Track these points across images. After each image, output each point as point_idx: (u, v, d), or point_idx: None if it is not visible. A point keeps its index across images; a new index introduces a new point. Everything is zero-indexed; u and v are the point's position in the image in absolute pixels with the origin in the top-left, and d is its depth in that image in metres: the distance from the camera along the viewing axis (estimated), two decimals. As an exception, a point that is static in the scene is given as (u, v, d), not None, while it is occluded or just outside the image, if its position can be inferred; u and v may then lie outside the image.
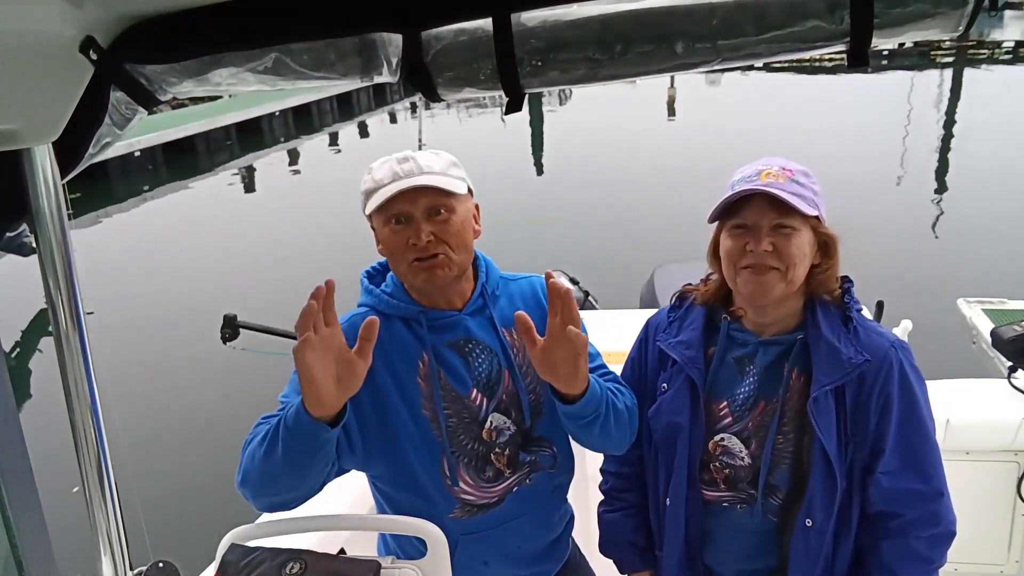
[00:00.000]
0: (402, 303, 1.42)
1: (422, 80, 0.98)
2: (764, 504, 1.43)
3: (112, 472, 1.19)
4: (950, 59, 25.70)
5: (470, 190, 1.42)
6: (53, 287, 1.11)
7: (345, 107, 23.60)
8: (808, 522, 1.38)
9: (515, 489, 1.47)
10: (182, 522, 4.18)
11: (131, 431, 5.32)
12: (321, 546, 1.32)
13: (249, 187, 15.60)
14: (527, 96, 1.00)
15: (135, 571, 1.25)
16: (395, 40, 0.95)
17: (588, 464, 1.84)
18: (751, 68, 21.15)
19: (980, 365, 3.38)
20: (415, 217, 1.34)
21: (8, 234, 1.10)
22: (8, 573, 1.11)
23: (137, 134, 15.11)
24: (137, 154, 15.66)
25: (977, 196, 10.53)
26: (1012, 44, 26.00)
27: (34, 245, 1.10)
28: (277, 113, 20.34)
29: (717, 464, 1.46)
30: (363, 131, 21.63)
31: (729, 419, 1.45)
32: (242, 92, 0.99)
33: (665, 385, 1.50)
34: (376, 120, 23.21)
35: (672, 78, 20.33)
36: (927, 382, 1.42)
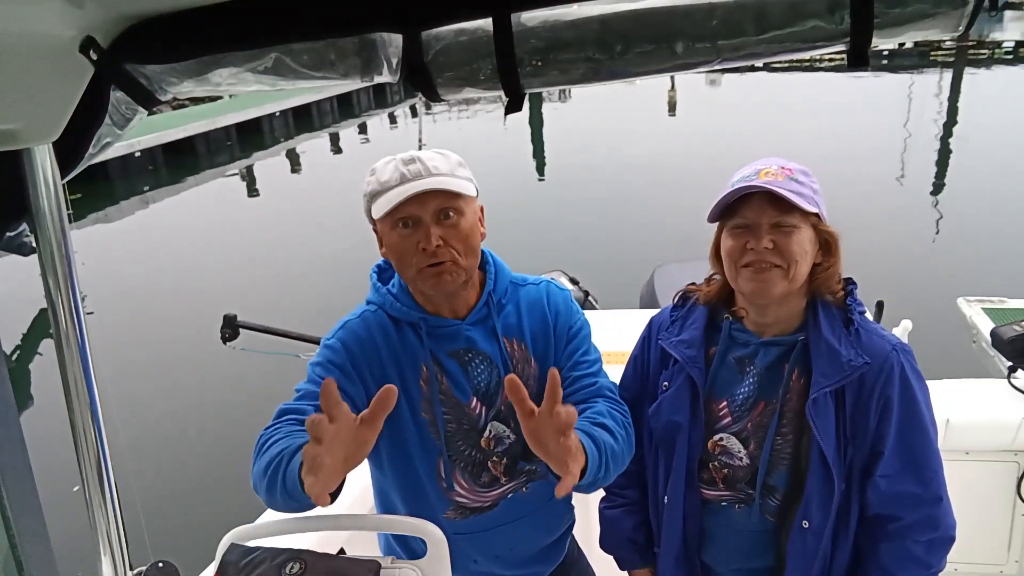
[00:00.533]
0: (405, 307, 1.41)
1: (422, 80, 0.98)
2: (762, 504, 1.43)
3: (112, 472, 1.19)
4: (950, 59, 25.69)
5: (476, 191, 1.40)
6: (53, 287, 1.11)
7: (345, 107, 23.60)
8: (805, 523, 1.38)
9: (510, 495, 1.47)
10: (182, 522, 4.18)
11: (131, 431, 5.33)
12: (321, 546, 1.33)
13: (249, 187, 15.60)
14: (527, 96, 1.00)
15: (135, 571, 1.25)
16: (395, 40, 0.95)
17: None
18: (751, 68, 21.15)
19: (980, 365, 3.38)
20: (424, 220, 1.30)
21: (8, 234, 1.10)
22: (8, 573, 1.11)
23: (137, 134, 15.12)
24: (137, 154, 15.66)
25: (977, 196, 10.52)
26: (1012, 44, 25.99)
27: (34, 245, 1.10)
28: (277, 113, 20.33)
29: (716, 464, 1.46)
30: (363, 131, 21.63)
31: (728, 419, 1.45)
32: (242, 92, 0.99)
33: (666, 384, 1.50)
34: (376, 120, 23.21)
35: (672, 79, 20.35)
36: (927, 382, 1.42)
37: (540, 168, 15.38)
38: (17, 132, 0.96)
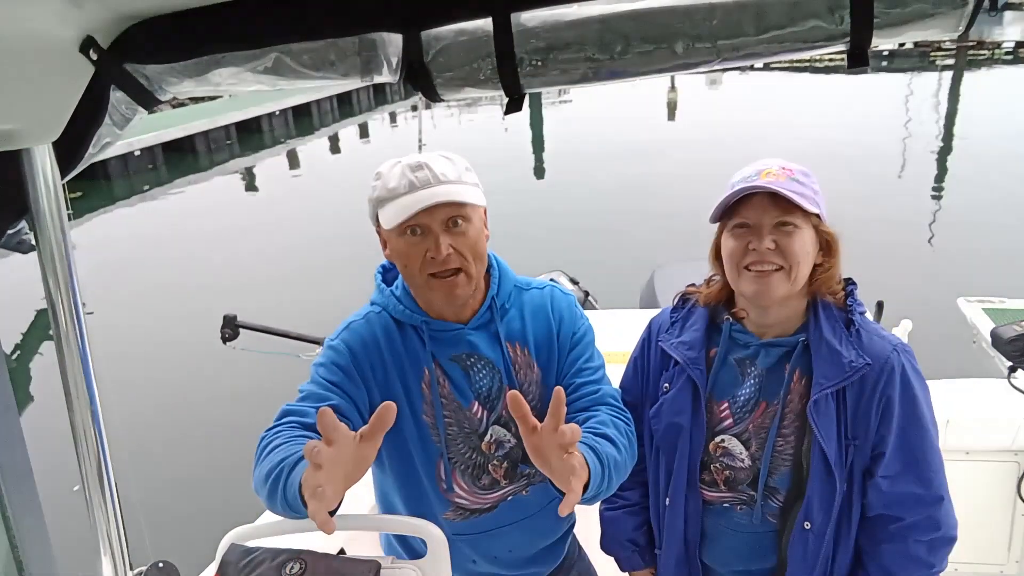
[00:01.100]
0: (408, 310, 1.40)
1: (422, 80, 0.98)
2: (764, 506, 1.43)
3: (112, 472, 1.19)
4: (950, 60, 25.68)
5: (482, 196, 1.37)
6: (53, 287, 1.11)
7: (345, 107, 23.60)
8: (807, 524, 1.38)
9: (510, 498, 1.47)
10: (182, 522, 4.18)
11: (131, 431, 5.33)
12: (321, 546, 1.32)
13: (249, 186, 15.60)
14: (527, 96, 1.00)
15: (135, 571, 1.25)
16: (395, 40, 0.95)
17: None
18: (751, 68, 21.14)
19: (980, 365, 3.38)
20: (433, 229, 1.29)
21: (8, 231, 1.10)
22: (8, 573, 1.11)
23: (137, 133, 15.12)
24: (137, 153, 15.66)
25: (977, 196, 10.52)
26: (1012, 44, 25.98)
27: (34, 244, 1.10)
28: (277, 113, 20.33)
29: (717, 465, 1.46)
30: (363, 131, 21.64)
31: (729, 420, 1.45)
32: (242, 92, 1.00)
33: (667, 385, 1.50)
34: (376, 120, 23.21)
35: (672, 79, 20.35)
36: (927, 382, 1.42)
37: (540, 168, 15.38)
38: (17, 132, 0.97)
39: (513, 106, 1.00)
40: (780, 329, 1.43)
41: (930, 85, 22.23)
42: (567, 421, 1.35)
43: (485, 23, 0.93)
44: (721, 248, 1.41)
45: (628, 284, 4.84)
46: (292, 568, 1.22)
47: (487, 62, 0.96)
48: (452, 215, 1.30)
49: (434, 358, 1.39)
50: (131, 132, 1.10)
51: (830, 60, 20.24)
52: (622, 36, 0.93)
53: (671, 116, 20.44)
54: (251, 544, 1.30)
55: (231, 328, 2.88)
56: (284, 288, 8.44)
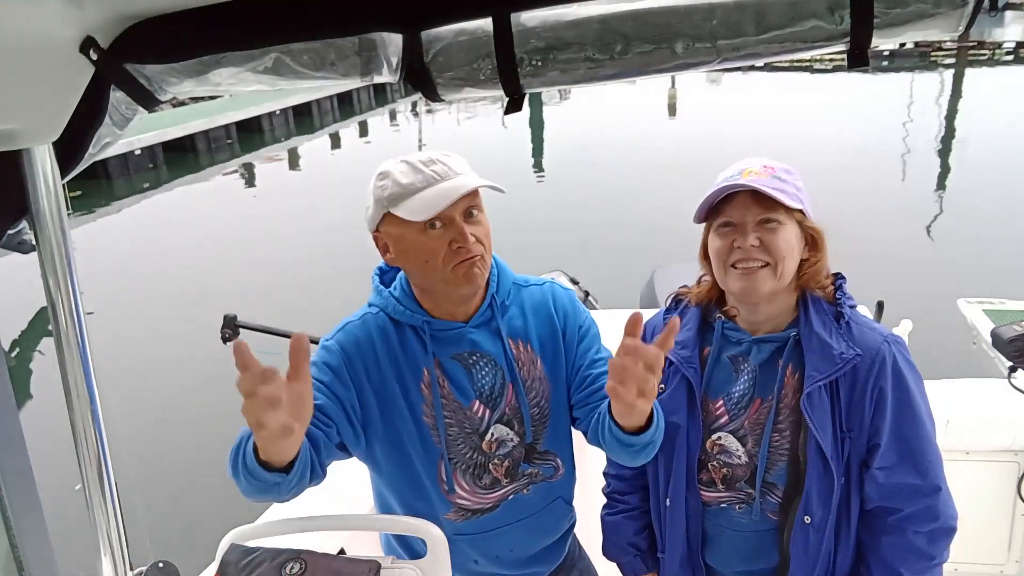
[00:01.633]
0: (408, 310, 1.39)
1: (422, 80, 0.98)
2: (762, 503, 1.43)
3: (112, 472, 1.19)
4: (950, 60, 25.69)
5: None
6: (53, 287, 1.11)
7: (345, 107, 23.60)
8: (807, 519, 1.38)
9: (511, 497, 1.47)
10: (182, 522, 4.18)
11: (131, 431, 5.33)
12: (321, 546, 1.32)
13: (250, 186, 15.60)
14: (527, 96, 1.00)
15: (135, 571, 1.25)
16: (395, 40, 0.95)
17: (589, 467, 1.83)
18: (751, 68, 21.14)
19: (980, 365, 3.38)
20: (456, 220, 1.28)
21: (8, 232, 1.10)
22: (8, 573, 1.11)
23: (137, 133, 15.11)
24: (138, 152, 15.65)
25: (977, 196, 10.53)
26: (1013, 44, 25.98)
27: (34, 244, 1.10)
28: (277, 112, 20.34)
29: (715, 463, 1.46)
30: (363, 131, 21.64)
31: (725, 418, 1.45)
32: (242, 92, 1.00)
33: (662, 386, 1.50)
34: (377, 120, 23.21)
35: (672, 78, 20.33)
36: (927, 382, 1.42)
37: (540, 168, 15.38)
38: (17, 132, 0.97)
39: (513, 106, 1.00)
40: (771, 325, 1.43)
41: (931, 85, 22.25)
42: (593, 411, 1.37)
43: (485, 23, 0.94)
44: (708, 247, 1.42)
45: (628, 284, 4.85)
46: (292, 568, 1.22)
47: (487, 62, 0.96)
48: (469, 205, 1.30)
49: (435, 358, 1.39)
50: (131, 132, 1.10)
51: (830, 60, 20.24)
52: (622, 36, 0.93)
53: (672, 113, 20.45)
54: (251, 544, 1.30)
55: (231, 328, 2.89)
56: (284, 288, 8.44)
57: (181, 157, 16.77)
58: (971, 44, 25.90)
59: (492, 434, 1.42)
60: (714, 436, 1.46)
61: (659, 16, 0.92)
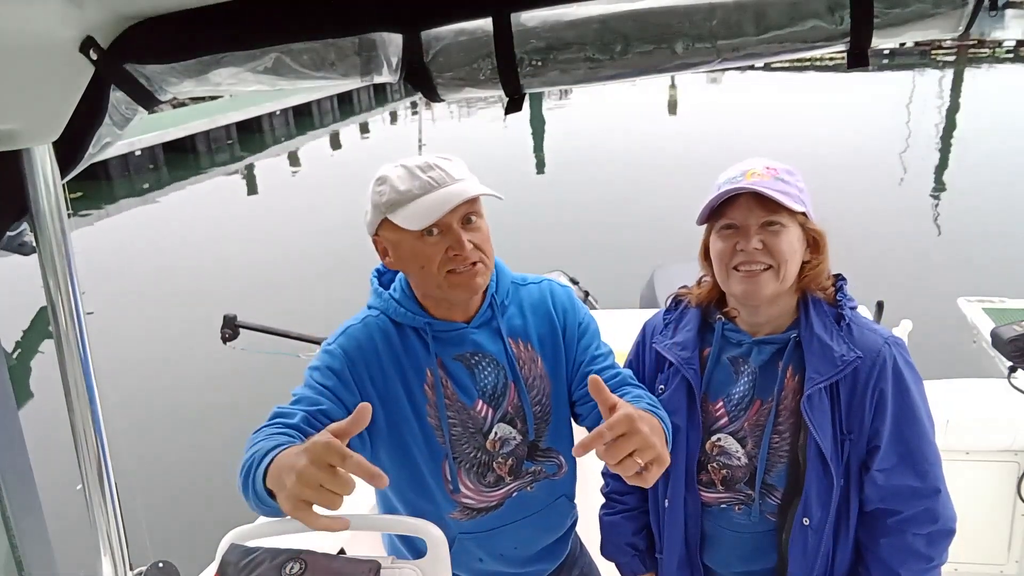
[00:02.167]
0: (410, 312, 1.39)
1: (422, 80, 0.98)
2: (762, 504, 1.43)
3: (112, 472, 1.19)
4: (951, 59, 25.68)
5: None
6: (53, 287, 1.11)
7: (345, 107, 23.60)
8: (805, 521, 1.38)
9: (515, 494, 1.47)
10: (182, 522, 4.18)
11: (131, 431, 5.34)
12: (321, 546, 1.32)
13: (250, 186, 15.60)
14: (527, 96, 1.00)
15: (135, 571, 1.25)
16: (395, 40, 0.95)
17: (589, 466, 1.83)
18: (751, 68, 21.14)
19: (980, 365, 3.38)
20: (453, 227, 1.28)
21: (9, 233, 1.10)
22: (8, 573, 1.11)
23: (137, 133, 15.12)
24: (138, 153, 15.65)
25: (977, 196, 10.52)
26: (1013, 44, 25.96)
27: (34, 244, 1.10)
28: (278, 112, 20.33)
29: (715, 464, 1.46)
30: (364, 131, 21.64)
31: (725, 419, 1.45)
32: (242, 92, 1.00)
33: (662, 387, 1.50)
34: (377, 120, 23.21)
35: (672, 78, 20.33)
36: (927, 382, 1.42)
37: (540, 167, 15.38)
38: (17, 132, 0.97)
39: (513, 106, 1.00)
40: (772, 327, 1.43)
41: (931, 83, 22.23)
42: (595, 406, 1.36)
43: (485, 23, 0.93)
44: (710, 249, 1.42)
45: (628, 284, 4.85)
46: (292, 568, 1.22)
47: (487, 62, 0.96)
48: (468, 211, 1.30)
49: (437, 358, 1.39)
50: (131, 132, 1.10)
51: (831, 59, 20.24)
52: (622, 36, 0.93)
53: (672, 111, 20.45)
54: (251, 544, 1.30)
55: (231, 328, 2.88)
56: (284, 288, 8.44)
57: (181, 158, 16.77)
58: (971, 43, 25.88)
59: (495, 433, 1.42)
60: (714, 437, 1.46)
61: (659, 16, 0.92)
